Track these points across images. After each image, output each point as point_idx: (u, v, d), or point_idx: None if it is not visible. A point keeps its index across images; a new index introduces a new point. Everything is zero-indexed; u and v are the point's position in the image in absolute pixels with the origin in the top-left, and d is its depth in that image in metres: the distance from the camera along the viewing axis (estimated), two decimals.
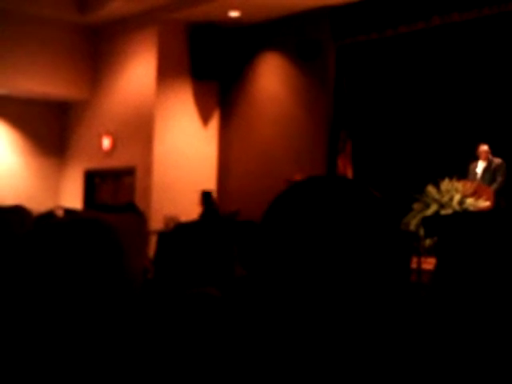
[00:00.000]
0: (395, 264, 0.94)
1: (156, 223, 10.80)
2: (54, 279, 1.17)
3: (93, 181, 13.40)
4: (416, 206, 8.95)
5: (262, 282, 0.95)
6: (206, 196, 10.49)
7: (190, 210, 10.73)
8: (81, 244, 1.20)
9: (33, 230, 1.22)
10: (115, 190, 12.92)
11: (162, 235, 2.48)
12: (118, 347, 1.17)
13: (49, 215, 4.33)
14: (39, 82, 12.74)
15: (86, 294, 1.17)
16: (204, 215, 10.16)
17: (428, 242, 8.11)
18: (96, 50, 13.26)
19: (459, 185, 8.82)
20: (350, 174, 10.57)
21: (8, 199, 11.05)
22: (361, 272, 0.92)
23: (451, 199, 8.71)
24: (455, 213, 8.01)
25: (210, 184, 12.49)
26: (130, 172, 12.46)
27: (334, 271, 0.91)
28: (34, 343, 1.15)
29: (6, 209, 1.62)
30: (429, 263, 7.16)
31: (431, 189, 8.92)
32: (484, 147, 9.10)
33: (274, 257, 0.95)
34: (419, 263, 7.36)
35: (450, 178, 8.95)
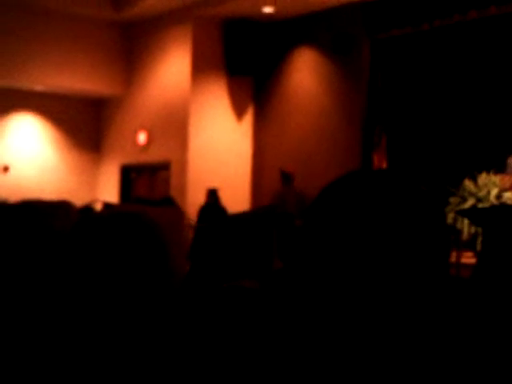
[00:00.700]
0: (438, 257, 0.93)
1: (192, 218, 10.86)
2: (100, 273, 1.17)
3: (129, 175, 13.52)
4: (453, 200, 8.85)
5: (304, 276, 0.95)
6: (211, 193, 10.74)
7: (225, 205, 10.77)
8: (126, 238, 1.20)
9: (78, 223, 1.22)
10: (151, 185, 13.03)
11: (199, 229, 2.50)
12: (160, 342, 1.18)
13: (87, 209, 4.39)
14: (76, 79, 12.90)
15: (132, 288, 1.17)
16: (205, 210, 10.36)
17: (465, 235, 8.03)
18: (131, 47, 13.36)
19: (497, 179, 8.69)
20: (384, 168, 10.49)
21: (47, 193, 11.22)
22: (403, 266, 0.92)
23: (488, 193, 8.60)
24: (499, 205, 7.90)
25: (245, 178, 12.52)
26: (165, 167, 12.55)
27: (377, 264, 0.91)
28: (79, 337, 1.16)
29: (52, 203, 1.64)
30: (467, 257, 7.09)
31: (468, 183, 8.81)
32: None
33: (319, 250, 0.94)
34: (458, 257, 7.28)
35: (488, 172, 8.83)
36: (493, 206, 7.91)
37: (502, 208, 7.37)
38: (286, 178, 10.42)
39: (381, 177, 0.96)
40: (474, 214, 7.02)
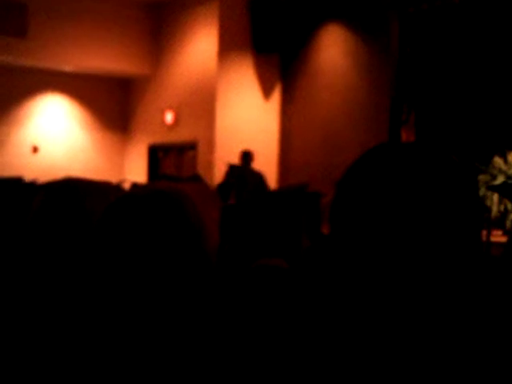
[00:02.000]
0: (470, 231, 0.91)
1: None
2: (138, 253, 1.16)
3: (156, 155, 13.57)
4: (482, 177, 8.75)
5: (335, 254, 0.94)
6: (245, 155, 10.51)
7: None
8: (162, 217, 1.17)
9: (114, 203, 1.20)
10: (178, 165, 13.07)
11: (226, 208, 2.50)
12: (196, 322, 1.17)
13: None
14: (104, 59, 12.94)
15: (170, 268, 1.16)
16: (222, 187, 10.12)
17: (495, 213, 7.94)
18: (158, 26, 13.34)
19: None
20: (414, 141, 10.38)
21: (77, 173, 11.31)
22: (436, 241, 0.90)
23: None
24: None
25: (272, 157, 12.48)
26: (192, 146, 12.57)
27: (410, 240, 0.89)
28: (121, 311, 1.16)
29: (91, 183, 1.63)
30: (496, 235, 7.01)
31: (498, 160, 8.70)
32: None
33: (350, 224, 0.93)
34: (488, 235, 7.21)
35: None
36: None
37: None
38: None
39: (411, 149, 0.94)
40: (506, 189, 6.93)
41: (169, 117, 13.08)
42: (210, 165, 12.07)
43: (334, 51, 11.68)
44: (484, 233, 7.21)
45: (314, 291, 1.25)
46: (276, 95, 12.59)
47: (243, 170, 10.19)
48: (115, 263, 1.16)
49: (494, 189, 7.55)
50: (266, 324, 1.26)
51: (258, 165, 12.13)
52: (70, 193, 1.54)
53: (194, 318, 1.16)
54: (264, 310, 1.39)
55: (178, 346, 1.14)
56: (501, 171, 8.63)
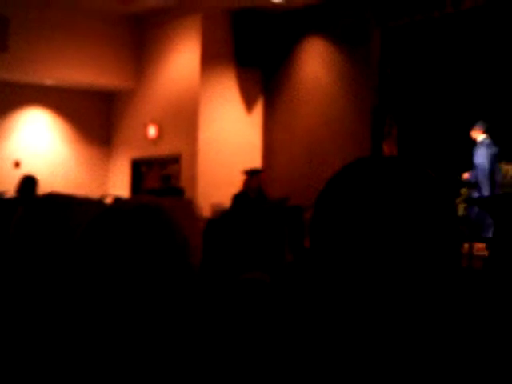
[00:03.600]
0: (449, 248, 0.92)
1: (203, 211, 10.87)
2: (120, 267, 1.15)
3: (139, 169, 13.54)
4: (463, 190, 8.82)
5: (316, 268, 0.95)
6: (251, 173, 10.36)
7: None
8: (144, 231, 1.17)
9: (97, 217, 1.20)
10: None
11: (211, 222, 2.50)
12: (177, 336, 1.17)
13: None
14: (86, 73, 12.92)
15: (152, 283, 1.15)
16: (240, 198, 9.97)
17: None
18: (140, 39, 13.36)
19: (509, 168, 8.65)
20: (393, 155, 10.44)
21: (59, 187, 11.26)
22: (414, 257, 0.91)
23: None
24: (509, 193, 7.85)
25: None
26: (175, 160, 12.56)
27: (388, 255, 0.90)
28: (100, 328, 1.16)
29: (73, 199, 1.63)
30: (479, 249, 7.05)
31: None
32: None
33: (329, 241, 0.94)
34: (470, 248, 7.26)
35: (500, 161, 8.78)
36: (503, 193, 7.87)
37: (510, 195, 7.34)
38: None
39: (389, 163, 0.95)
40: (483, 202, 6.98)
41: (152, 130, 13.06)
42: (193, 178, 12.06)
43: (315, 64, 11.75)
44: (466, 246, 7.25)
45: (296, 304, 1.25)
46: (258, 108, 12.64)
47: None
48: (97, 277, 1.15)
49: (472, 202, 7.61)
50: (249, 336, 1.26)
51: (241, 177, 12.13)
52: (51, 208, 1.54)
53: (176, 329, 1.16)
54: (247, 323, 1.39)
55: (159, 357, 1.14)
56: None
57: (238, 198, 7.66)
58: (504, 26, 9.67)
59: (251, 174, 10.08)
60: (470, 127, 9.50)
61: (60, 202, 1.56)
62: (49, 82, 13.01)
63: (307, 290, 0.98)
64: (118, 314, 1.14)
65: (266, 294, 1.65)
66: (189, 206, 2.02)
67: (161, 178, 10.46)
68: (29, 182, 8.08)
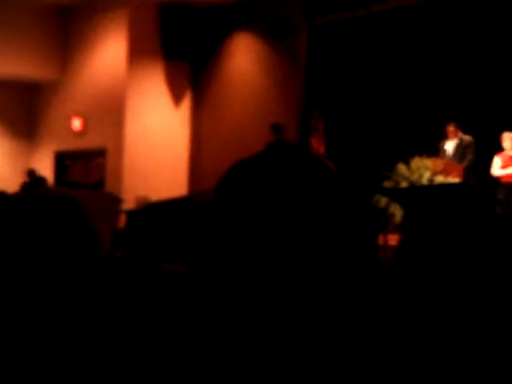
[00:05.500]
0: (358, 240, 0.92)
1: (128, 204, 10.75)
2: (23, 256, 1.14)
3: (63, 162, 13.28)
4: (386, 183, 9.00)
5: (218, 259, 0.94)
6: (275, 128, 10.21)
7: (162, 190, 10.69)
8: (50, 220, 1.16)
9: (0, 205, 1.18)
10: (86, 172, 12.83)
11: (132, 214, 2.48)
12: (93, 328, 1.16)
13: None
14: (8, 63, 12.54)
15: (59, 272, 1.14)
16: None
17: (398, 219, 8.19)
18: (66, 31, 13.07)
19: (429, 162, 8.88)
20: (322, 152, 10.59)
21: None
22: (322, 245, 0.90)
23: (421, 177, 8.78)
24: (418, 186, 8.08)
25: (183, 163, 12.44)
26: (101, 153, 12.36)
27: (294, 246, 0.89)
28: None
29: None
30: (395, 240, 7.23)
31: (401, 167, 8.97)
32: (450, 127, 9.19)
33: (227, 234, 0.92)
34: (385, 240, 7.43)
35: (420, 156, 9.01)
36: (411, 186, 8.08)
37: (420, 188, 7.55)
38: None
39: (284, 157, 0.94)
40: (394, 193, 7.13)
41: (76, 123, 12.82)
42: (119, 171, 11.90)
43: (243, 58, 11.78)
44: (381, 238, 7.43)
45: (209, 295, 1.25)
46: (186, 102, 12.57)
47: None
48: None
49: (383, 193, 7.79)
50: (166, 327, 1.25)
51: (168, 172, 12.07)
52: None
53: (78, 319, 1.15)
54: (164, 314, 1.38)
55: (60, 345, 1.13)
56: (404, 177, 8.91)
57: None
58: (428, 25, 9.93)
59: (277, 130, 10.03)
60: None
61: None
62: None
63: (216, 281, 0.98)
64: (20, 308, 1.12)
65: (181, 286, 1.64)
66: (107, 197, 2.01)
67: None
68: None
